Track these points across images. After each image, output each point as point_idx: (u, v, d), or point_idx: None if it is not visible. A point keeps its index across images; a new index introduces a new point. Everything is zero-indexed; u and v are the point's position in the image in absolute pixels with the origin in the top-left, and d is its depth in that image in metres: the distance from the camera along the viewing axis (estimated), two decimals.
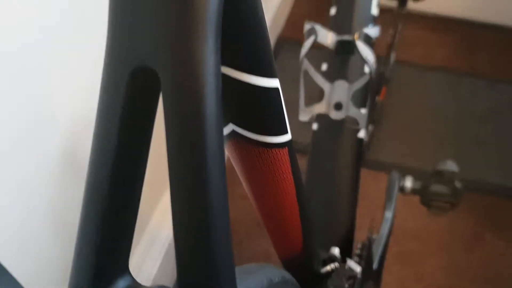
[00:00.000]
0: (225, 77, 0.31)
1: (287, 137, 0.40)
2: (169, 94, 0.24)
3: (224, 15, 0.26)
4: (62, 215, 0.66)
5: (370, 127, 1.32)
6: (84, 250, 0.27)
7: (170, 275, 0.94)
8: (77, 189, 0.66)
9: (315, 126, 0.79)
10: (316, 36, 0.70)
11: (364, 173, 1.22)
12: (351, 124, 0.76)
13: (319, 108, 0.77)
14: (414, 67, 1.44)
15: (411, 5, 1.23)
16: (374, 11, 0.78)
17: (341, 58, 0.76)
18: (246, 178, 0.42)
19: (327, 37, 0.74)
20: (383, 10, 1.25)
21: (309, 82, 0.75)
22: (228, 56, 0.30)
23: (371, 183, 1.18)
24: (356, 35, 0.70)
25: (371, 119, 1.34)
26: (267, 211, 0.46)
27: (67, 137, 0.64)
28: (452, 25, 1.53)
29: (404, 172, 1.05)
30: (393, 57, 1.40)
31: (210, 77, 0.24)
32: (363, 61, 0.70)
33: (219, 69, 0.25)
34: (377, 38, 0.73)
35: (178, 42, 0.24)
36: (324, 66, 0.79)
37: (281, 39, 1.45)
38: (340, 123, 0.77)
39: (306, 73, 0.74)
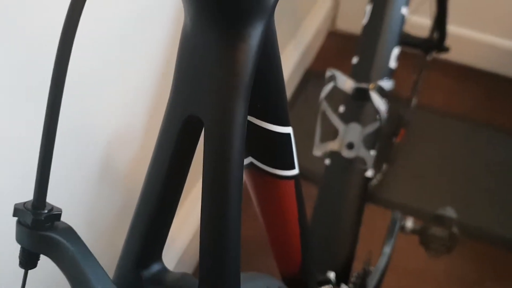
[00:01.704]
0: (249, 123, 0.43)
1: (294, 172, 0.51)
2: (209, 136, 0.36)
3: (257, 77, 0.38)
4: (94, 223, 0.76)
5: (385, 167, 1.43)
6: (132, 239, 0.39)
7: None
8: (110, 198, 0.78)
9: (327, 161, 0.90)
10: (336, 83, 0.81)
11: (374, 209, 1.33)
12: (360, 163, 0.87)
13: (333, 145, 0.88)
14: (434, 112, 1.53)
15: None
16: (392, 64, 0.89)
17: (357, 103, 0.87)
18: (258, 201, 0.53)
19: (346, 83, 0.85)
20: (408, 54, 1.37)
21: (326, 120, 0.86)
22: (253, 108, 0.42)
23: (378, 219, 1.28)
24: (371, 85, 0.81)
25: (386, 159, 1.44)
26: (272, 230, 0.57)
27: (105, 149, 0.75)
28: (476, 76, 1.62)
29: (411, 212, 1.14)
30: (414, 101, 1.51)
31: (238, 126, 0.36)
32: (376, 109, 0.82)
33: (245, 121, 0.36)
34: (391, 90, 0.84)
35: (219, 101, 0.35)
36: (341, 108, 0.90)
37: (309, 72, 1.57)
38: (350, 161, 0.87)
39: (324, 113, 0.85)
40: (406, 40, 1.27)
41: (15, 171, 0.54)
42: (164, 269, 0.41)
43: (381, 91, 0.81)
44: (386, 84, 0.82)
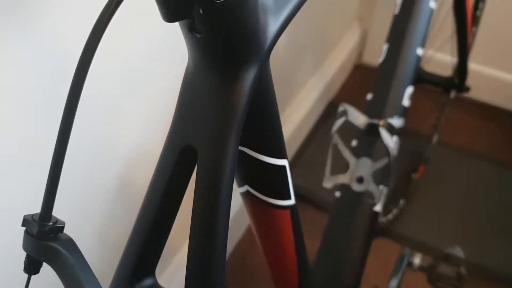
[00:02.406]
0: (245, 154, 0.47)
1: (290, 202, 0.55)
2: (202, 164, 0.40)
3: (251, 114, 0.42)
4: (108, 240, 0.80)
5: (402, 202, 1.45)
6: (127, 254, 0.43)
7: None
8: (124, 214, 0.82)
9: (337, 193, 0.93)
10: (347, 117, 0.85)
11: (388, 243, 1.34)
12: (369, 197, 0.90)
13: (343, 178, 0.91)
14: (454, 150, 1.55)
15: None
16: (406, 102, 0.92)
17: (369, 139, 0.91)
18: (255, 227, 0.57)
19: (359, 119, 0.89)
20: (431, 91, 1.39)
21: (338, 153, 0.89)
22: (249, 141, 0.46)
23: (392, 254, 1.29)
24: (381, 122, 0.84)
25: (404, 194, 1.46)
26: (269, 256, 0.60)
27: (122, 164, 0.80)
28: (499, 115, 1.63)
29: (425, 249, 1.15)
30: (436, 138, 1.52)
31: (229, 156, 0.40)
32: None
33: (236, 151, 0.40)
34: (401, 127, 0.87)
35: (213, 133, 0.39)
36: (354, 143, 0.93)
37: (332, 105, 1.60)
38: (360, 195, 0.90)
39: (336, 146, 0.89)
40: (426, 78, 1.30)
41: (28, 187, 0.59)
42: (156, 284, 0.45)
43: (391, 128, 0.84)
44: (396, 122, 0.85)
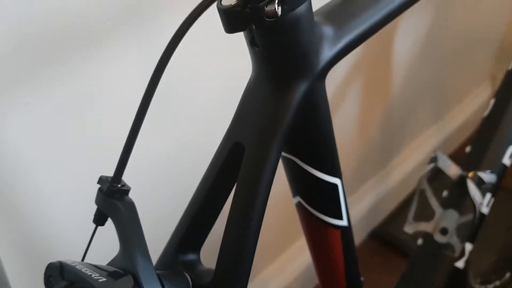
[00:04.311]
0: (295, 164, 0.53)
1: (341, 223, 0.59)
2: (246, 159, 0.47)
3: (302, 127, 0.48)
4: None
5: (508, 275, 1.37)
6: (177, 229, 0.52)
7: None
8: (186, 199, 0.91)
9: (420, 241, 0.94)
10: (436, 163, 0.87)
11: None
12: (450, 251, 0.90)
13: (426, 226, 0.92)
14: None
15: None
16: (507, 161, 0.91)
17: (460, 191, 0.91)
18: (306, 238, 0.62)
19: (451, 169, 0.90)
20: None
21: (424, 199, 0.91)
22: (299, 152, 0.52)
23: None
24: (471, 174, 0.85)
25: None
26: (319, 269, 0.65)
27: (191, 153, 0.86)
28: None
29: None
30: None
31: (271, 158, 0.46)
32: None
33: (279, 154, 0.47)
34: (494, 184, 0.86)
35: (260, 135, 0.46)
36: (445, 193, 0.94)
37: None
38: (441, 246, 0.90)
39: (423, 192, 0.90)
40: None
41: None
42: (198, 260, 0.52)
43: (480, 182, 0.84)
44: (487, 176, 0.85)
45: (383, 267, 1.30)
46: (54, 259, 0.47)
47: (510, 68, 0.95)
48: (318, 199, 0.56)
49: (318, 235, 0.60)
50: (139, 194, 0.52)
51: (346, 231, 0.61)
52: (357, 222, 1.32)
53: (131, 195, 0.48)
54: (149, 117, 0.45)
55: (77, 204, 0.68)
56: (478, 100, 1.63)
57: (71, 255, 0.50)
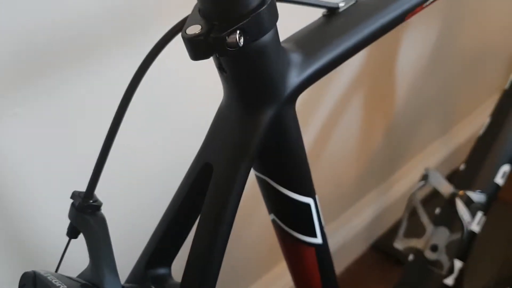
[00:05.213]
0: (267, 183, 0.55)
1: (315, 240, 0.61)
2: (214, 179, 0.49)
3: (273, 149, 0.50)
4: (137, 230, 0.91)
5: None
6: (149, 244, 0.54)
7: None
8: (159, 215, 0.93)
9: (411, 257, 0.95)
10: (427, 181, 0.88)
11: None
12: (439, 268, 0.91)
13: (417, 243, 0.93)
14: None
15: None
16: (499, 181, 0.91)
17: (452, 209, 0.92)
18: (283, 254, 0.64)
19: (444, 187, 0.91)
20: None
21: (415, 216, 0.92)
22: (270, 172, 0.54)
23: None
24: (460, 192, 0.86)
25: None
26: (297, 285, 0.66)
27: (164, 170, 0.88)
28: None
29: None
30: None
31: (238, 178, 0.48)
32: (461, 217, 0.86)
33: (245, 176, 0.48)
34: (483, 203, 0.87)
35: (227, 156, 0.48)
36: (437, 210, 0.95)
37: (454, 175, 1.58)
38: (431, 263, 0.91)
39: (414, 209, 0.92)
40: None
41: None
42: (168, 274, 0.54)
43: (468, 201, 0.85)
44: (476, 196, 0.85)
45: (384, 279, 1.31)
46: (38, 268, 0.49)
47: (506, 87, 0.96)
48: (291, 218, 0.58)
49: (293, 252, 0.62)
50: (114, 209, 0.54)
51: (321, 249, 0.62)
52: (358, 233, 1.33)
53: (106, 209, 0.51)
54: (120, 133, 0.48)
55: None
56: (486, 114, 1.62)
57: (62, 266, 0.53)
